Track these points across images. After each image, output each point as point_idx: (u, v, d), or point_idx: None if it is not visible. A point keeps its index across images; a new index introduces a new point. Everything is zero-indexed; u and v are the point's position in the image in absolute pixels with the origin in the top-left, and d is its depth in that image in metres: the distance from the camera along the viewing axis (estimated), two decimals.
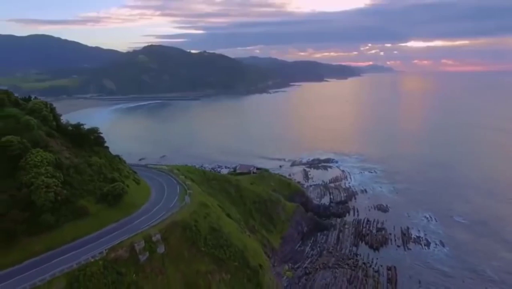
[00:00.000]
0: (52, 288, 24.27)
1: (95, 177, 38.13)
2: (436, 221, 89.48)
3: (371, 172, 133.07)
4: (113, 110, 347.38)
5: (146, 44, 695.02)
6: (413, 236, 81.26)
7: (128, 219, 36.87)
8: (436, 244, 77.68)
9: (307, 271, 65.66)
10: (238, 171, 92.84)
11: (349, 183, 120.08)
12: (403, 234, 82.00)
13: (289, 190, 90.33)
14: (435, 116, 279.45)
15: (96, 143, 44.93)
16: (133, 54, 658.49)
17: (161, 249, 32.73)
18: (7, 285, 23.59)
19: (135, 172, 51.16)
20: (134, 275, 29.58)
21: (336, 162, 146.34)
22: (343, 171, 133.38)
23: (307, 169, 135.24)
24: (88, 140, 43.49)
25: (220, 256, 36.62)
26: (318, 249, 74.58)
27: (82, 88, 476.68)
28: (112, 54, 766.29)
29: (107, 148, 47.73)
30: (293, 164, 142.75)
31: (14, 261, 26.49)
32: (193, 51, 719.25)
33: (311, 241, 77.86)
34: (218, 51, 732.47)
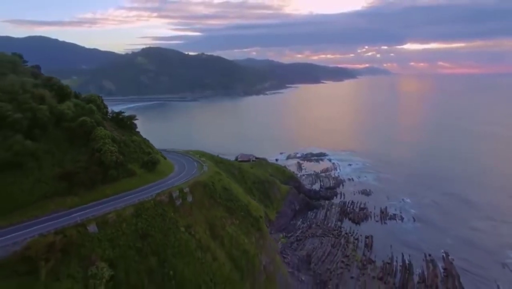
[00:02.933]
0: (126, 212, 37.01)
1: (137, 150, 50.84)
2: (411, 203, 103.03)
3: (359, 165, 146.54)
4: None
5: (142, 46, 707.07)
6: (390, 213, 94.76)
7: (162, 180, 49.68)
8: (408, 220, 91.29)
9: (298, 238, 78.87)
10: (239, 159, 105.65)
11: (338, 173, 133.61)
12: (382, 212, 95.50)
13: (284, 175, 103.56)
14: (427, 118, 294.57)
15: (131, 127, 57.84)
16: (132, 56, 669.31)
17: (189, 198, 45.61)
18: (95, 210, 36.13)
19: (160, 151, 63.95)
20: (172, 213, 42.43)
21: (328, 155, 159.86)
22: (333, 163, 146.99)
23: (301, 162, 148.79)
24: (126, 124, 56.44)
25: (231, 206, 49.53)
26: (308, 223, 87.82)
27: (82, 89, 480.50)
28: (109, 55, 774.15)
29: (138, 132, 60.58)
30: (288, 158, 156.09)
31: (95, 198, 39.12)
32: (190, 53, 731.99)
33: (302, 217, 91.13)
34: (215, 53, 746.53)
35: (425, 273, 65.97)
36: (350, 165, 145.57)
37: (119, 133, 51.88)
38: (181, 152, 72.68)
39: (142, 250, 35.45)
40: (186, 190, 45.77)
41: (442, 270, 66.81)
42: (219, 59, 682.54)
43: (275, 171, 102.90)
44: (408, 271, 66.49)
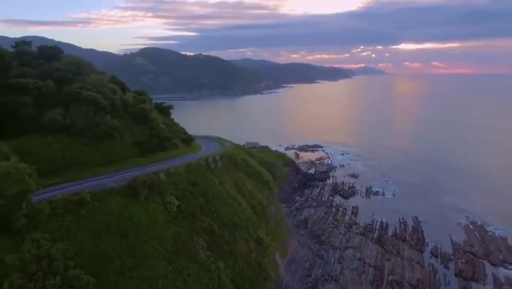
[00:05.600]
0: (180, 169, 53.60)
1: (177, 130, 67.52)
2: (393, 183, 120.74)
3: (350, 154, 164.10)
4: None
5: (138, 46, 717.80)
6: (374, 191, 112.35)
7: (198, 152, 66.27)
8: (389, 195, 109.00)
9: (297, 208, 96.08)
10: (246, 146, 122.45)
11: (331, 161, 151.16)
12: (367, 190, 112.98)
13: (284, 160, 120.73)
14: (416, 116, 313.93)
15: (169, 114, 74.53)
16: (130, 56, 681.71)
17: (219, 164, 62.34)
18: (160, 167, 52.56)
19: None
20: (209, 173, 59.24)
21: (322, 147, 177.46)
22: (327, 153, 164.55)
23: (298, 152, 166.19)
24: (165, 112, 73.09)
25: (249, 172, 66.30)
26: (305, 197, 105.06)
27: None
28: (107, 56, 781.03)
29: (173, 118, 77.18)
30: (286, 149, 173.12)
31: (157, 160, 55.56)
32: (186, 53, 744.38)
33: (300, 193, 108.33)
34: (211, 53, 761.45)
35: (398, 230, 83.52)
36: (342, 154, 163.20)
37: (162, 118, 68.46)
38: (203, 136, 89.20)
39: (193, 192, 52.25)
40: (217, 158, 62.62)
41: (411, 228, 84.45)
42: (216, 59, 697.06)
43: (276, 156, 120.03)
44: (384, 229, 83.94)
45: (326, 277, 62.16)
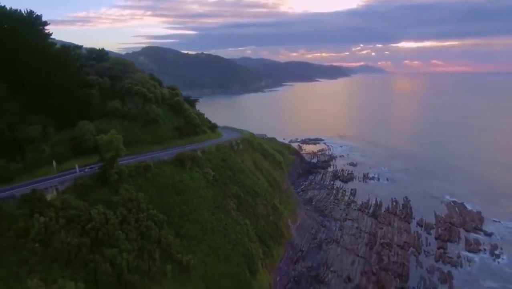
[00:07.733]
0: (212, 148, 66.45)
1: (203, 118, 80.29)
2: (387, 171, 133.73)
3: (349, 146, 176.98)
4: None
5: (137, 45, 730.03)
6: (370, 176, 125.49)
7: (222, 137, 79.01)
8: (383, 180, 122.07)
9: (302, 190, 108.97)
10: None
11: (331, 152, 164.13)
12: (364, 176, 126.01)
13: (289, 150, 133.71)
14: (411, 113, 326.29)
15: (194, 106, 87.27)
16: (133, 56, 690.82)
17: (240, 146, 75.17)
18: (196, 147, 65.42)
19: None
20: (232, 153, 72.10)
21: (323, 140, 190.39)
22: (327, 145, 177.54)
23: (301, 144, 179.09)
24: (192, 104, 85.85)
25: (264, 153, 79.16)
26: (309, 181, 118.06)
27: None
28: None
29: (198, 109, 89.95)
30: (290, 142, 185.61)
31: (192, 142, 68.30)
32: (187, 52, 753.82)
33: (304, 178, 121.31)
34: (210, 52, 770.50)
35: (390, 207, 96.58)
36: (341, 146, 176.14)
37: (191, 109, 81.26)
38: (221, 126, 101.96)
39: (224, 166, 65.09)
40: (238, 141, 75.55)
41: (401, 205, 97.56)
42: (216, 58, 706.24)
43: (282, 146, 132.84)
44: (378, 206, 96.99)
45: (329, 240, 75.11)
